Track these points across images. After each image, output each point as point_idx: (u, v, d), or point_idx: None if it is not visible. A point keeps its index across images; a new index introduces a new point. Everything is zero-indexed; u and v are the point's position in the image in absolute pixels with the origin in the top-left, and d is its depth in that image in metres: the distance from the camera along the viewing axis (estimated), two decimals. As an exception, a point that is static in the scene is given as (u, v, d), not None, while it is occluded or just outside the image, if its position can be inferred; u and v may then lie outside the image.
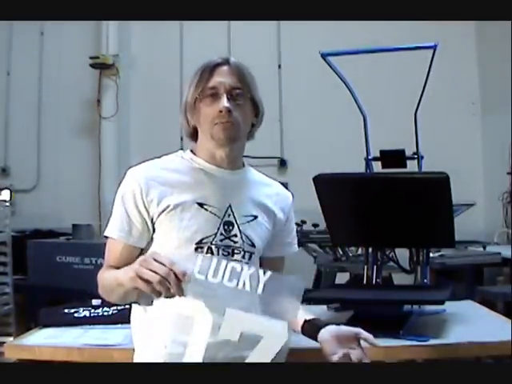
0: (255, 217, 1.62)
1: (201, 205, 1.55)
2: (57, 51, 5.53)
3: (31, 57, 5.55)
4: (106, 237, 1.60)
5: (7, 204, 4.19)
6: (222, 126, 1.53)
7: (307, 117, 5.39)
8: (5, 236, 4.10)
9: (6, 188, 4.36)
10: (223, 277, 1.26)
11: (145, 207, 1.54)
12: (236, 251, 1.57)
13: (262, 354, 1.27)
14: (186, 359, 1.33)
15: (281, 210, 1.68)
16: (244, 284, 1.27)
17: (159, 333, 1.53)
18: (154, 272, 1.28)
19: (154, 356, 1.54)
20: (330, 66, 2.70)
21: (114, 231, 1.57)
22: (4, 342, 2.16)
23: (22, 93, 5.55)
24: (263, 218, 1.63)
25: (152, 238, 1.57)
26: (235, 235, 1.57)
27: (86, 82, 5.44)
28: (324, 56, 2.67)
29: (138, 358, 1.61)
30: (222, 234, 1.55)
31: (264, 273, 1.28)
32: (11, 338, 3.58)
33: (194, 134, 1.63)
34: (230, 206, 1.57)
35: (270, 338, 1.26)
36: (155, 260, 1.29)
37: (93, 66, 5.30)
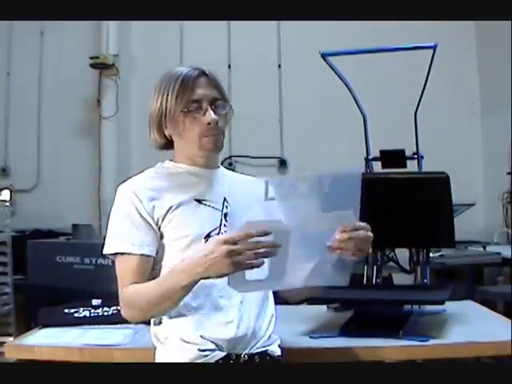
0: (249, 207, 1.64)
1: (199, 201, 1.58)
2: (57, 51, 5.52)
3: (31, 57, 5.55)
4: (108, 255, 1.56)
5: (7, 204, 4.19)
6: (211, 139, 1.57)
7: (307, 117, 5.39)
8: (5, 236, 4.10)
9: (6, 188, 4.36)
10: (292, 189, 1.42)
11: (148, 214, 1.54)
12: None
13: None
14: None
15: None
16: (311, 189, 1.41)
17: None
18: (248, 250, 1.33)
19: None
20: (330, 66, 2.70)
21: (125, 246, 1.53)
22: (4, 342, 2.16)
23: (22, 93, 5.55)
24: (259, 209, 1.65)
25: (160, 244, 1.56)
26: (224, 225, 1.59)
27: (86, 82, 5.44)
28: (324, 56, 2.67)
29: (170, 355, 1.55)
30: (225, 225, 1.58)
31: (326, 176, 1.41)
32: (11, 338, 3.58)
33: (165, 145, 1.63)
34: (225, 198, 1.60)
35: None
36: (232, 242, 1.33)
37: (93, 66, 5.29)
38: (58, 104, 5.50)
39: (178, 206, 1.55)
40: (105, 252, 1.56)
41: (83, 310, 2.15)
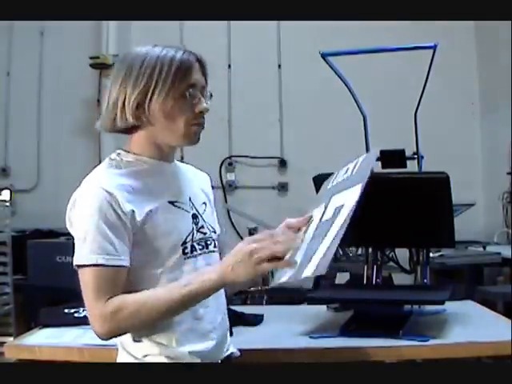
0: (205, 203, 1.60)
1: (172, 203, 1.48)
2: (57, 51, 5.52)
3: (31, 57, 5.54)
4: (80, 266, 1.38)
5: (7, 204, 4.19)
6: (198, 129, 1.47)
7: (307, 117, 5.38)
8: (5, 236, 4.10)
9: (6, 188, 4.36)
10: (340, 176, 1.51)
11: (127, 219, 1.38)
12: (208, 242, 1.53)
13: (335, 225, 1.32)
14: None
15: (211, 192, 1.70)
16: (352, 172, 1.47)
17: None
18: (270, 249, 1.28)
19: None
20: (330, 66, 2.70)
21: (103, 256, 1.36)
22: (4, 342, 2.16)
23: (22, 93, 5.55)
24: (209, 203, 1.62)
25: (133, 254, 1.41)
26: (202, 226, 1.53)
27: (86, 82, 5.44)
28: (324, 56, 2.67)
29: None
30: (194, 228, 1.50)
31: (361, 158, 1.48)
32: (11, 338, 3.58)
33: (127, 129, 1.47)
34: (190, 198, 1.53)
35: (347, 203, 1.34)
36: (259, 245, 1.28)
37: (93, 66, 5.29)
38: (58, 104, 5.50)
39: (156, 210, 1.42)
40: (77, 263, 1.38)
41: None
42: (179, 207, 1.49)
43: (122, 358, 1.48)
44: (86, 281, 1.37)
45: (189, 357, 1.44)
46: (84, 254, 1.37)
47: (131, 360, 1.45)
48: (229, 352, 1.58)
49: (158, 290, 1.39)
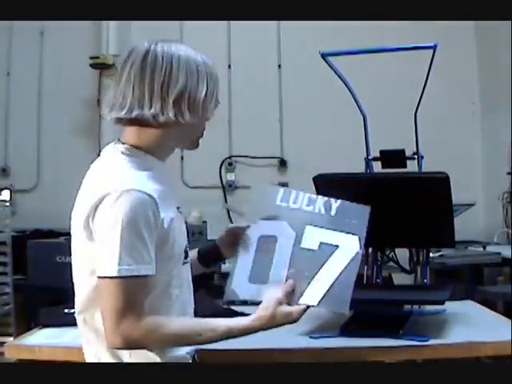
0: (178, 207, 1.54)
1: (178, 208, 1.48)
2: (57, 51, 5.52)
3: (31, 57, 5.54)
4: (116, 277, 1.30)
5: (7, 204, 4.19)
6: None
7: (307, 117, 5.38)
8: (5, 236, 4.10)
9: (6, 188, 4.36)
10: (302, 204, 1.53)
11: (157, 226, 1.34)
12: (188, 249, 1.52)
13: (337, 262, 1.49)
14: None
15: None
16: (319, 209, 1.53)
17: None
18: None
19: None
20: (330, 66, 2.69)
21: (147, 267, 1.31)
22: (4, 342, 2.16)
23: (22, 93, 5.54)
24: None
25: None
26: (186, 231, 1.53)
27: (86, 82, 5.44)
28: (324, 56, 2.66)
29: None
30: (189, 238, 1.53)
31: (335, 201, 1.55)
32: (11, 338, 3.58)
33: (135, 123, 1.42)
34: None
35: (345, 247, 1.50)
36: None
37: (93, 66, 5.29)
38: (58, 104, 5.49)
39: (173, 219, 1.40)
40: (112, 274, 1.29)
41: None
42: (181, 212, 1.50)
43: (105, 354, 1.42)
44: (117, 291, 1.30)
45: (183, 358, 1.46)
46: (124, 264, 1.29)
47: (111, 357, 1.41)
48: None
49: (195, 323, 1.40)
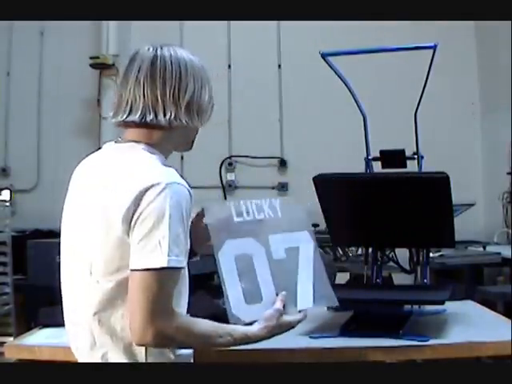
0: None
1: None
2: (57, 51, 5.52)
3: (31, 57, 5.55)
4: (164, 268, 1.29)
5: (7, 204, 4.19)
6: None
7: (307, 117, 5.39)
8: (5, 236, 4.10)
9: (6, 188, 4.36)
10: (254, 213, 1.55)
11: (189, 221, 1.40)
12: None
13: (305, 261, 1.58)
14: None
15: None
16: (268, 213, 1.57)
17: None
18: None
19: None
20: (330, 66, 2.69)
21: (184, 260, 1.35)
22: (4, 342, 2.16)
23: (22, 93, 5.55)
24: None
25: None
26: None
27: (86, 82, 5.44)
28: (324, 56, 2.66)
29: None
30: None
31: (275, 199, 1.60)
32: (11, 338, 3.58)
33: (143, 125, 1.43)
34: None
35: (303, 245, 1.60)
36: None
37: (93, 66, 5.29)
38: (58, 104, 5.50)
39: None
40: (163, 265, 1.28)
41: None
42: None
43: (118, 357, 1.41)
44: (157, 283, 1.29)
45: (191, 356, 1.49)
46: (172, 253, 1.29)
47: (160, 357, 1.40)
48: None
49: (218, 325, 1.42)
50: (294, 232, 1.60)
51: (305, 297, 1.56)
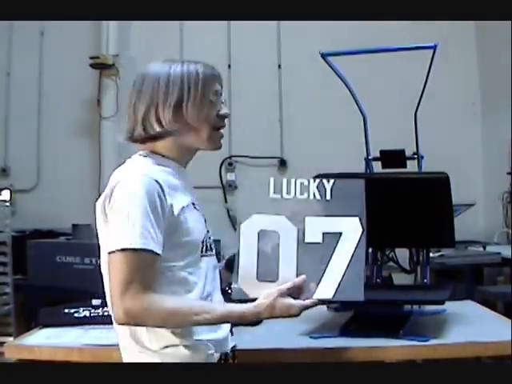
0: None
1: (193, 205, 1.56)
2: (57, 51, 5.52)
3: (31, 57, 5.54)
4: (123, 249, 1.39)
5: (7, 204, 4.19)
6: (221, 134, 1.59)
7: (307, 117, 5.38)
8: (5, 236, 4.10)
9: (6, 188, 4.36)
10: (295, 192, 1.49)
11: (164, 210, 1.45)
12: (212, 245, 1.60)
13: (344, 250, 1.46)
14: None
15: None
16: (314, 195, 1.49)
17: None
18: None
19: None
20: (330, 66, 2.70)
21: (145, 240, 1.39)
22: (4, 342, 2.16)
23: (22, 93, 5.54)
24: None
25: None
26: (208, 231, 1.59)
27: (86, 82, 5.43)
28: (324, 56, 2.67)
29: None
30: (207, 230, 1.59)
31: (328, 181, 1.50)
32: (11, 338, 3.58)
33: (150, 138, 1.56)
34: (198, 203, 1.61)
35: (348, 232, 1.47)
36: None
37: (93, 66, 5.29)
38: (58, 104, 5.49)
39: (184, 208, 1.50)
40: (123, 246, 1.38)
41: (83, 310, 2.15)
42: (198, 210, 1.57)
43: (135, 351, 1.47)
44: (119, 266, 1.39)
45: (206, 346, 1.49)
46: (130, 237, 1.39)
47: (146, 353, 1.46)
48: (233, 343, 1.62)
49: (194, 303, 1.45)
50: (341, 217, 1.48)
51: (327, 287, 1.45)
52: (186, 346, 1.46)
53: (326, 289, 1.44)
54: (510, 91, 4.47)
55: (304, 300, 1.44)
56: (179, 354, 1.46)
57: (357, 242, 1.46)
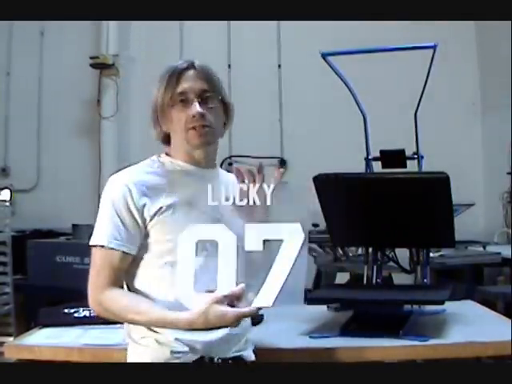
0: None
1: (190, 204, 1.54)
2: (57, 51, 5.52)
3: (31, 57, 5.55)
4: (91, 246, 1.54)
5: (7, 204, 4.19)
6: (196, 131, 1.57)
7: (307, 116, 5.39)
8: (5, 236, 4.10)
9: (6, 188, 4.36)
10: (234, 198, 1.44)
11: (137, 210, 1.52)
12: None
13: (285, 257, 1.40)
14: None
15: None
16: (254, 200, 1.45)
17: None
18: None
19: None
20: (330, 66, 2.70)
21: (109, 239, 1.51)
22: (4, 342, 2.16)
23: (22, 93, 5.55)
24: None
25: (142, 244, 1.55)
26: None
27: (86, 82, 5.44)
28: (324, 56, 2.67)
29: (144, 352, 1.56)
30: None
31: (268, 186, 1.47)
32: (11, 338, 3.58)
33: (166, 138, 1.64)
34: (217, 206, 1.52)
35: (290, 239, 1.41)
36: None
37: (93, 66, 5.30)
38: (58, 104, 5.50)
39: (169, 207, 1.52)
40: (90, 243, 1.54)
41: (83, 310, 2.15)
42: (197, 209, 1.52)
43: (125, 338, 1.61)
44: (93, 260, 1.53)
45: (176, 344, 1.50)
46: (96, 236, 1.53)
47: (128, 340, 1.58)
48: (238, 354, 1.59)
49: (141, 303, 1.49)
50: (282, 223, 1.43)
51: (266, 295, 1.39)
52: (156, 340, 1.51)
53: (266, 297, 1.39)
54: (510, 91, 4.48)
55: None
56: (153, 347, 1.51)
57: (298, 249, 1.41)
